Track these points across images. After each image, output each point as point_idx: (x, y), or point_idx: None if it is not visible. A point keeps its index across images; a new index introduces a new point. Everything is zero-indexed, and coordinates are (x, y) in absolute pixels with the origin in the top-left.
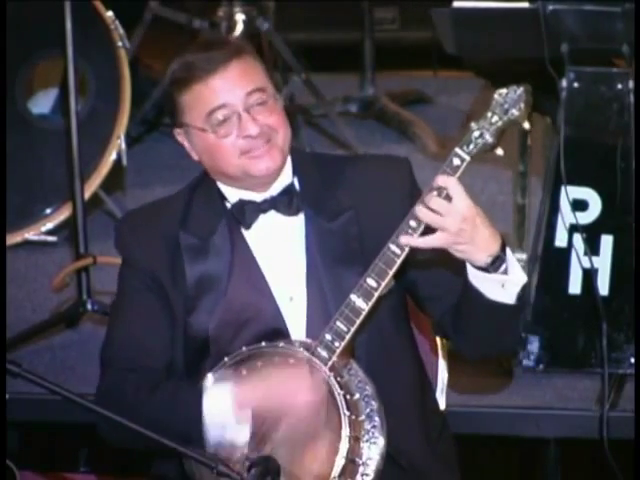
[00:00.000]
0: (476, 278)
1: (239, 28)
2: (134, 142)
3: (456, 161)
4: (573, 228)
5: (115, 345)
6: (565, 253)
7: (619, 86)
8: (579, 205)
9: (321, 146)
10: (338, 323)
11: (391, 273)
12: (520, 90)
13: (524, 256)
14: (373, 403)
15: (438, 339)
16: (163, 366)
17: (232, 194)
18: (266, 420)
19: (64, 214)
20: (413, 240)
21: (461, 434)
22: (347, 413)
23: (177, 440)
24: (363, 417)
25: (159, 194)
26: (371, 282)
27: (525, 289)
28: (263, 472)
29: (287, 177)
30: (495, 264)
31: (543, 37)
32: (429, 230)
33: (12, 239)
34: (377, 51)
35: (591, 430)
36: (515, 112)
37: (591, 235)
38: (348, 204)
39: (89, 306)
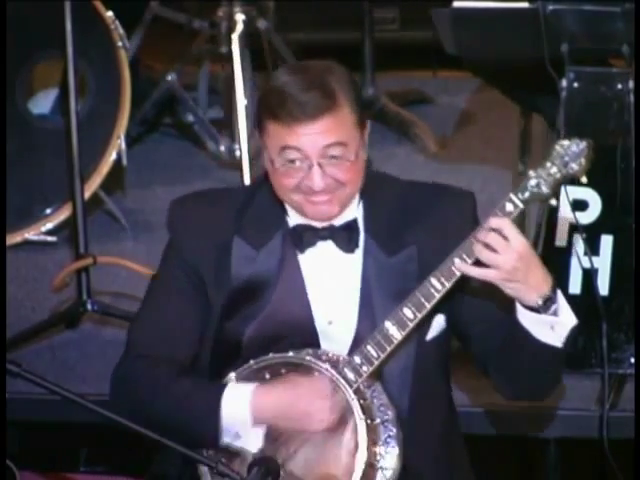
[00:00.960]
0: (525, 318)
1: (239, 28)
2: (134, 142)
3: (509, 207)
4: (573, 228)
5: (144, 328)
6: (565, 253)
7: (619, 86)
8: (579, 205)
9: None
10: (369, 347)
11: (429, 306)
12: (583, 144)
13: None
14: (392, 429)
15: None
16: (187, 359)
17: (294, 212)
18: (282, 430)
19: (64, 214)
20: (466, 267)
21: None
22: (365, 439)
23: (191, 434)
24: (380, 442)
25: (159, 194)
26: (407, 312)
27: (574, 333)
28: (263, 472)
29: (351, 212)
30: (546, 305)
31: (543, 37)
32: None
33: (12, 239)
34: (377, 51)
35: (591, 430)
36: (575, 167)
37: (591, 235)
38: (410, 239)
39: (89, 306)
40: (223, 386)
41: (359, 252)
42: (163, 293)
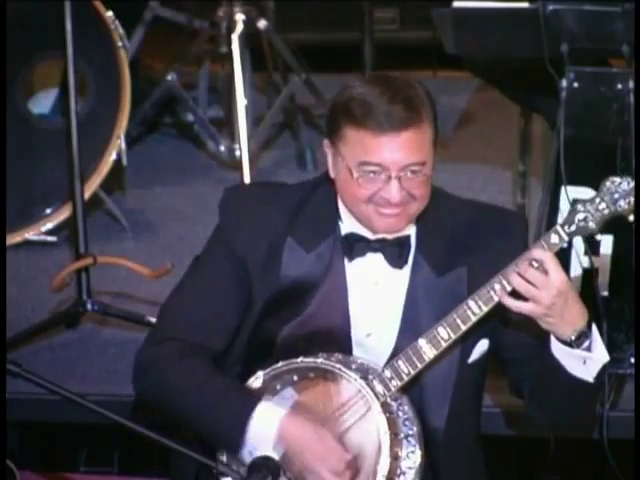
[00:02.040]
0: (559, 351)
1: (239, 28)
2: (134, 142)
3: (554, 238)
4: None
5: (180, 311)
6: (565, 253)
7: (619, 86)
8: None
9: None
10: (400, 363)
11: (464, 329)
12: (633, 183)
13: None
14: (415, 443)
15: None
16: (217, 349)
17: (348, 219)
18: (293, 462)
19: (64, 214)
20: (505, 298)
21: None
22: (388, 453)
23: (212, 436)
24: (402, 457)
25: (159, 194)
26: (442, 332)
27: (606, 369)
28: (263, 472)
29: (406, 228)
30: (580, 340)
31: (543, 37)
32: (518, 295)
33: (12, 239)
34: (377, 51)
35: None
36: (624, 205)
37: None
38: (461, 260)
39: (89, 306)
40: (255, 401)
41: (407, 269)
42: (205, 279)
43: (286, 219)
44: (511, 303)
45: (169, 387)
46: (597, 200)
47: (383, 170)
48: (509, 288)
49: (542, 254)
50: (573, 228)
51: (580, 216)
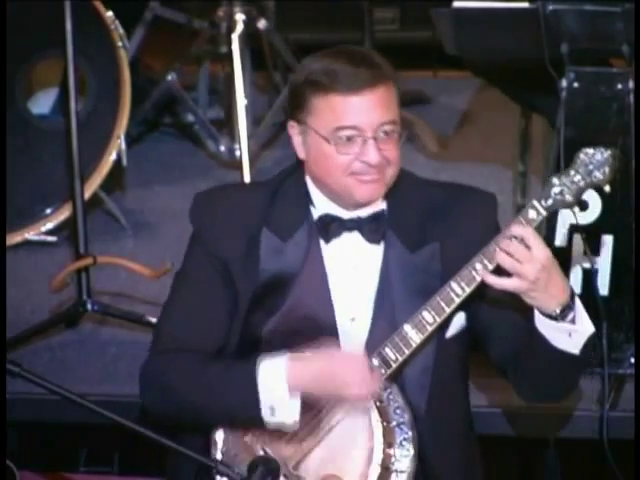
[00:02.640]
0: (543, 325)
1: (239, 28)
2: (134, 142)
3: (532, 213)
4: (573, 228)
5: (172, 322)
6: (565, 253)
7: (619, 86)
8: (579, 205)
9: None
10: (387, 350)
11: (448, 311)
12: (607, 153)
13: None
14: (408, 431)
15: None
16: (213, 351)
17: (321, 203)
18: (318, 399)
19: (64, 214)
20: (488, 276)
21: None
22: (381, 441)
23: (231, 414)
24: (396, 445)
25: (159, 194)
26: (427, 316)
27: (594, 342)
28: (263, 472)
29: (379, 203)
30: (564, 312)
31: (543, 37)
32: (500, 273)
33: (12, 239)
34: (377, 51)
35: (591, 430)
36: (599, 175)
37: (591, 235)
38: (433, 236)
39: (89, 306)
40: (255, 362)
41: (381, 247)
42: (190, 286)
43: (259, 213)
44: (495, 281)
45: (175, 389)
46: (572, 172)
47: (358, 132)
48: (491, 266)
49: (522, 230)
50: (550, 202)
51: (556, 190)
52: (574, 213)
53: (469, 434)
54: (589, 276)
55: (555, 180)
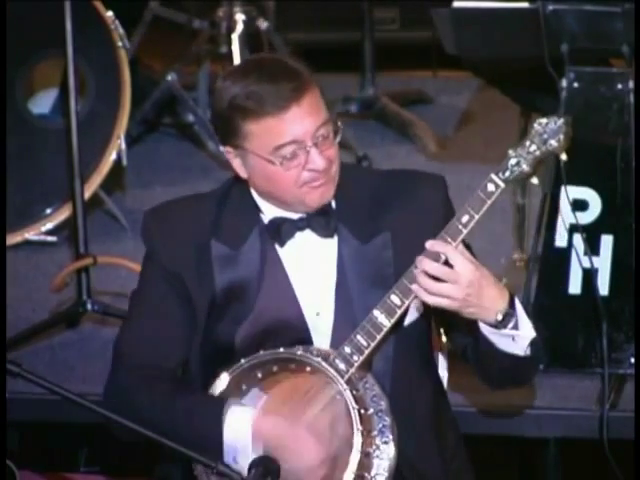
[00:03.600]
0: (487, 332)
1: (239, 28)
2: (134, 142)
3: (490, 187)
4: (573, 228)
5: (129, 340)
6: (565, 253)
7: (619, 86)
8: (579, 205)
9: None
10: (359, 337)
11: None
12: (560, 121)
13: (524, 256)
14: (386, 418)
15: (440, 339)
16: (176, 366)
17: (268, 208)
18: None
19: (64, 214)
20: (424, 295)
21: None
22: (360, 428)
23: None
24: (375, 432)
25: (159, 194)
26: (395, 299)
27: (539, 343)
28: (263, 472)
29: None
30: (504, 321)
31: (543, 37)
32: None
33: (12, 239)
34: (377, 51)
35: (591, 430)
36: (554, 143)
37: (591, 235)
38: (384, 225)
39: (89, 306)
40: (222, 411)
41: (335, 239)
42: (146, 304)
43: (207, 224)
44: (430, 299)
45: (138, 417)
46: (527, 143)
47: (298, 145)
48: (454, 244)
49: (443, 248)
50: (507, 174)
51: (512, 161)
52: (574, 213)
53: (442, 418)
54: (589, 276)
55: (511, 152)
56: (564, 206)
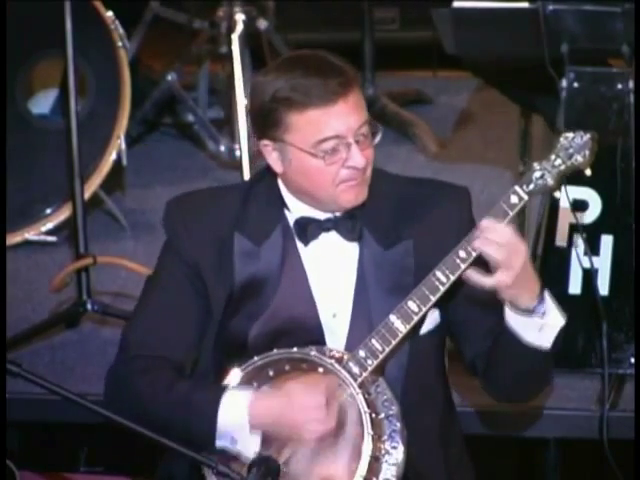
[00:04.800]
0: (515, 322)
1: (239, 28)
2: (134, 142)
3: (514, 199)
4: (573, 228)
5: (141, 328)
6: (565, 253)
7: (619, 86)
8: (579, 205)
9: None
10: (374, 341)
11: (433, 299)
12: (587, 137)
13: None
14: (397, 423)
15: None
16: (181, 360)
17: (296, 206)
18: (278, 436)
19: (64, 214)
20: (473, 275)
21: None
22: (371, 432)
23: (186, 436)
24: (385, 437)
25: (159, 194)
26: (412, 306)
27: (562, 333)
28: (263, 472)
29: None
30: (537, 306)
31: (543, 37)
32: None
33: (12, 239)
34: (377, 51)
35: (591, 430)
36: (579, 159)
37: (591, 235)
38: (407, 233)
39: (89, 306)
40: (221, 391)
41: (357, 245)
42: (161, 293)
43: (231, 217)
44: (479, 279)
45: (138, 402)
46: (553, 157)
47: (340, 140)
48: (474, 254)
49: (497, 226)
50: (532, 187)
51: (537, 174)
52: (574, 213)
53: (450, 431)
54: (589, 276)
55: (536, 165)
56: (564, 206)
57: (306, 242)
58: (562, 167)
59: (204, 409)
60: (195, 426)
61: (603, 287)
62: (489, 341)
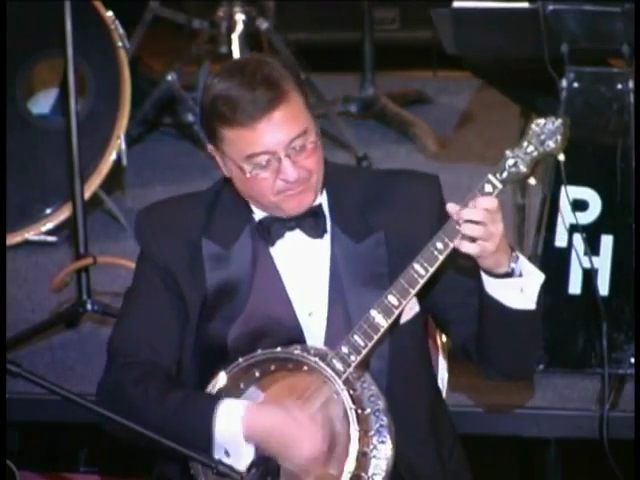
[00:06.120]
0: (496, 289)
1: (239, 28)
2: (134, 142)
3: (488, 187)
4: (573, 228)
5: (123, 336)
6: (565, 253)
7: (619, 86)
8: (579, 205)
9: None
10: (356, 337)
11: (413, 292)
12: (558, 122)
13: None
14: (383, 418)
15: (439, 339)
16: (169, 363)
17: (259, 210)
18: (271, 450)
19: (64, 214)
20: (463, 244)
21: (460, 434)
22: (357, 428)
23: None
24: (372, 432)
25: (159, 194)
26: (392, 299)
27: (542, 290)
28: (263, 472)
29: (316, 199)
30: (515, 266)
31: (543, 37)
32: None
33: (12, 239)
34: (377, 51)
35: (591, 430)
36: (551, 144)
37: (591, 235)
38: (377, 224)
39: (89, 306)
40: (215, 402)
41: (327, 239)
42: (140, 300)
43: (199, 222)
44: (465, 247)
45: (131, 413)
46: (525, 144)
47: (270, 155)
48: (451, 244)
49: (472, 197)
50: (505, 174)
51: (510, 162)
52: (574, 213)
53: (439, 418)
54: (589, 276)
55: (508, 152)
56: (564, 206)
57: (272, 242)
58: (534, 153)
59: (199, 420)
60: (190, 439)
61: (603, 287)
62: (475, 321)
